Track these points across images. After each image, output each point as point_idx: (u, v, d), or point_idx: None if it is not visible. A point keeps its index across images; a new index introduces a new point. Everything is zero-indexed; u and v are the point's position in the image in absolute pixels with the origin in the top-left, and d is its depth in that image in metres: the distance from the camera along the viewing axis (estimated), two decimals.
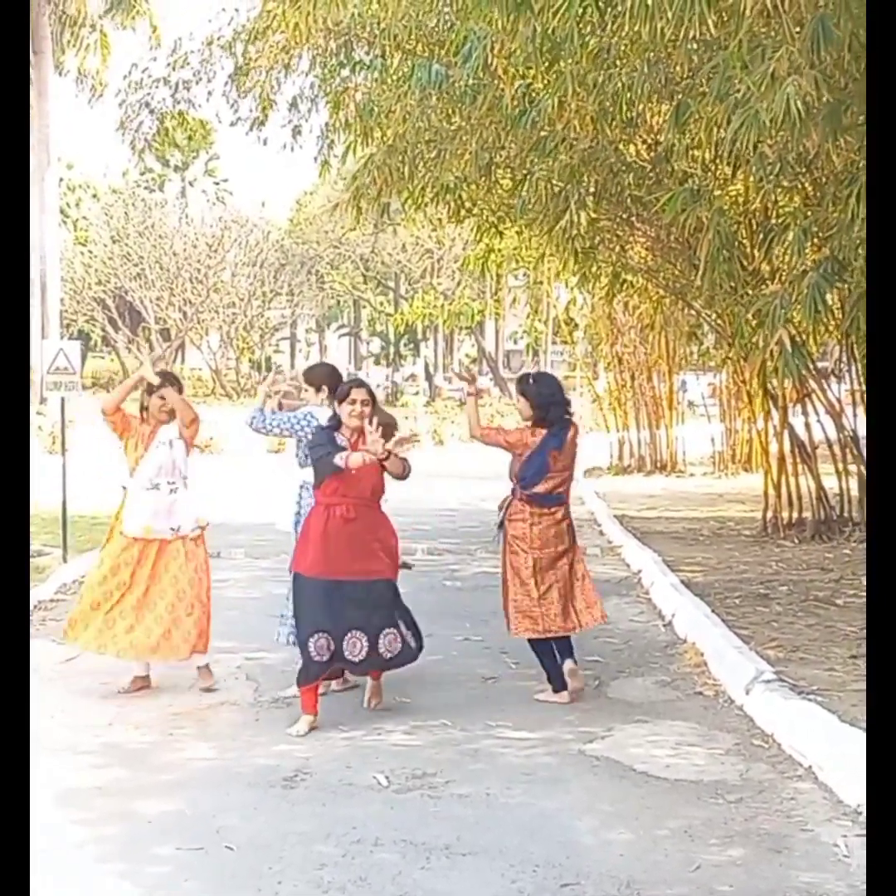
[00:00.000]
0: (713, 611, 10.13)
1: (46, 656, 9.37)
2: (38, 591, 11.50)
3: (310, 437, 7.95)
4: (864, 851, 5.31)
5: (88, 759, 6.94)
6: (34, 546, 13.79)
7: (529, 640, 8.30)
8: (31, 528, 14.52)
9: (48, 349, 14.23)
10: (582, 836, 5.73)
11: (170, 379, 8.73)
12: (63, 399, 14.10)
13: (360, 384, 7.83)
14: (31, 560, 12.95)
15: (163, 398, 8.52)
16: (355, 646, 7.40)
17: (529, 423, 8.31)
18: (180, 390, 8.73)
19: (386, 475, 7.66)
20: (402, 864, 5.38)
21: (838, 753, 6.35)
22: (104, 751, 7.11)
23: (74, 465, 14.66)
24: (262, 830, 5.82)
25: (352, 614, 7.41)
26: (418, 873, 5.30)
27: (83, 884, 5.26)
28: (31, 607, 10.99)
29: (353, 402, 7.61)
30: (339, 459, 7.42)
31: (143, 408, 8.72)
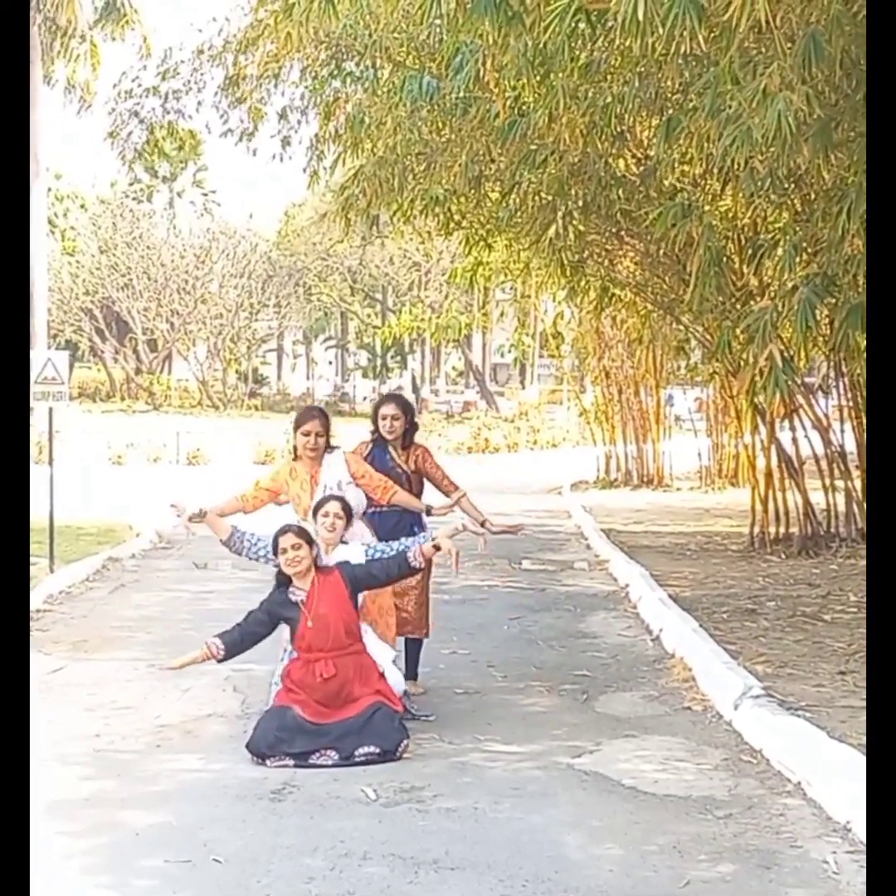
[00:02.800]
0: (701, 625, 10.11)
1: (33, 668, 9.33)
2: None
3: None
4: (857, 867, 5.32)
5: (75, 771, 6.90)
6: None
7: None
8: None
9: (36, 359, 14.19)
10: (571, 851, 5.71)
11: (321, 417, 8.36)
12: (51, 409, 14.06)
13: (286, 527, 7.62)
14: None
15: (306, 434, 8.19)
16: (326, 759, 7.04)
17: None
18: (327, 427, 8.33)
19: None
20: (390, 878, 5.36)
21: (827, 769, 6.34)
22: (91, 762, 7.07)
23: (60, 475, 14.60)
24: (250, 843, 5.79)
25: (323, 739, 7.10)
26: (407, 887, 5.28)
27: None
28: None
29: (285, 550, 7.44)
30: (413, 560, 7.47)
31: (294, 448, 8.42)
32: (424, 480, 8.92)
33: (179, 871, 5.47)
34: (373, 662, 7.45)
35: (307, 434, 8.15)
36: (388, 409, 8.75)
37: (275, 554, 7.48)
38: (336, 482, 8.06)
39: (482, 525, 8.44)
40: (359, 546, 7.83)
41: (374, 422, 8.82)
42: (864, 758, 5.09)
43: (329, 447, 8.25)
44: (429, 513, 8.47)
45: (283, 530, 7.52)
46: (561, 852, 5.68)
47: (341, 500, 7.78)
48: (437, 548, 7.51)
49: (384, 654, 7.64)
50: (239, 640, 7.50)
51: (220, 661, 7.52)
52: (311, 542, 7.49)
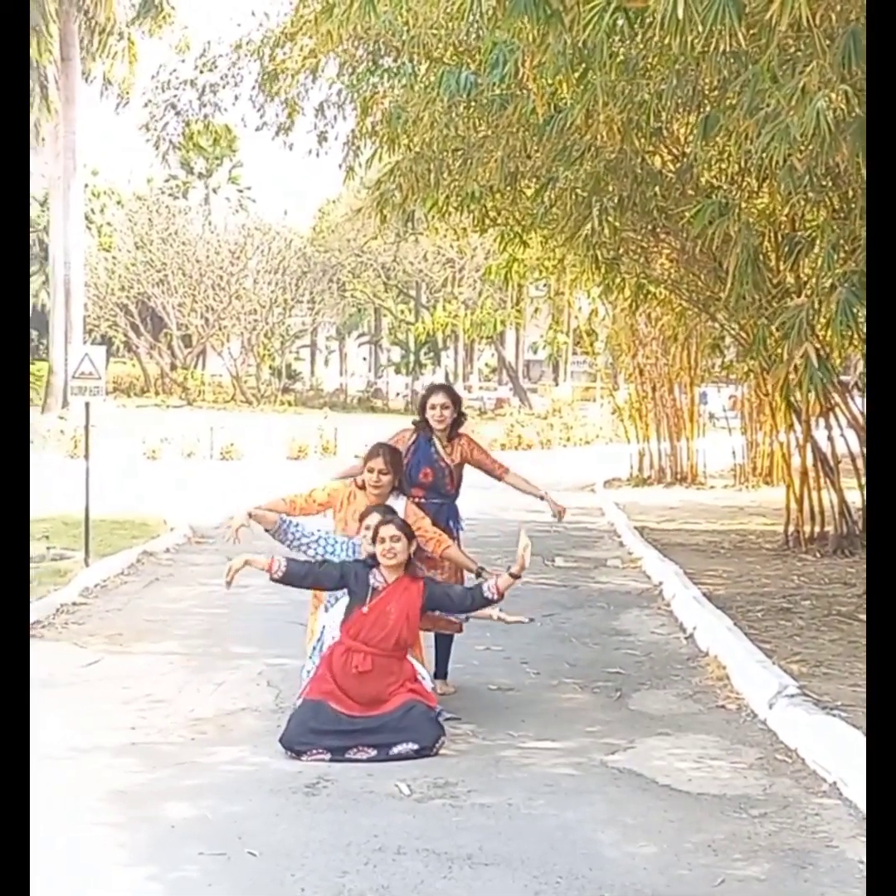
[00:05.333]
0: (735, 624, 10.09)
1: (69, 660, 9.41)
2: (61, 595, 11.52)
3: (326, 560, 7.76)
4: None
5: (111, 763, 6.93)
6: (56, 549, 13.84)
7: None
8: (54, 532, 14.63)
9: (74, 354, 14.28)
10: (605, 848, 5.71)
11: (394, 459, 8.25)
12: (87, 404, 14.14)
13: (389, 518, 7.63)
14: (53, 563, 13.02)
15: (370, 471, 8.05)
16: (362, 754, 7.06)
17: None
18: (392, 465, 8.17)
19: None
20: (424, 874, 5.37)
21: (863, 769, 6.32)
22: (126, 755, 7.11)
23: (96, 469, 14.68)
24: (284, 837, 5.82)
25: (360, 735, 7.11)
26: (441, 883, 5.29)
27: (108, 888, 5.25)
28: (54, 611, 11.02)
29: (383, 540, 7.46)
30: (488, 592, 7.51)
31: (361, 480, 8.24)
32: (463, 473, 8.93)
33: (214, 864, 5.49)
34: (413, 671, 7.46)
35: (371, 471, 8.04)
36: (439, 399, 8.71)
37: (372, 541, 7.47)
38: None
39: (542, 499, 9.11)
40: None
41: (422, 411, 8.76)
42: None
43: (394, 489, 8.12)
44: (479, 575, 8.11)
45: (386, 520, 7.54)
46: (595, 850, 5.68)
47: (397, 520, 7.70)
48: (515, 576, 7.50)
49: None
50: (301, 575, 7.54)
51: (273, 579, 7.52)
52: (411, 536, 7.53)
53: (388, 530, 7.46)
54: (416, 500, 8.41)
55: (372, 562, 7.53)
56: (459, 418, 8.80)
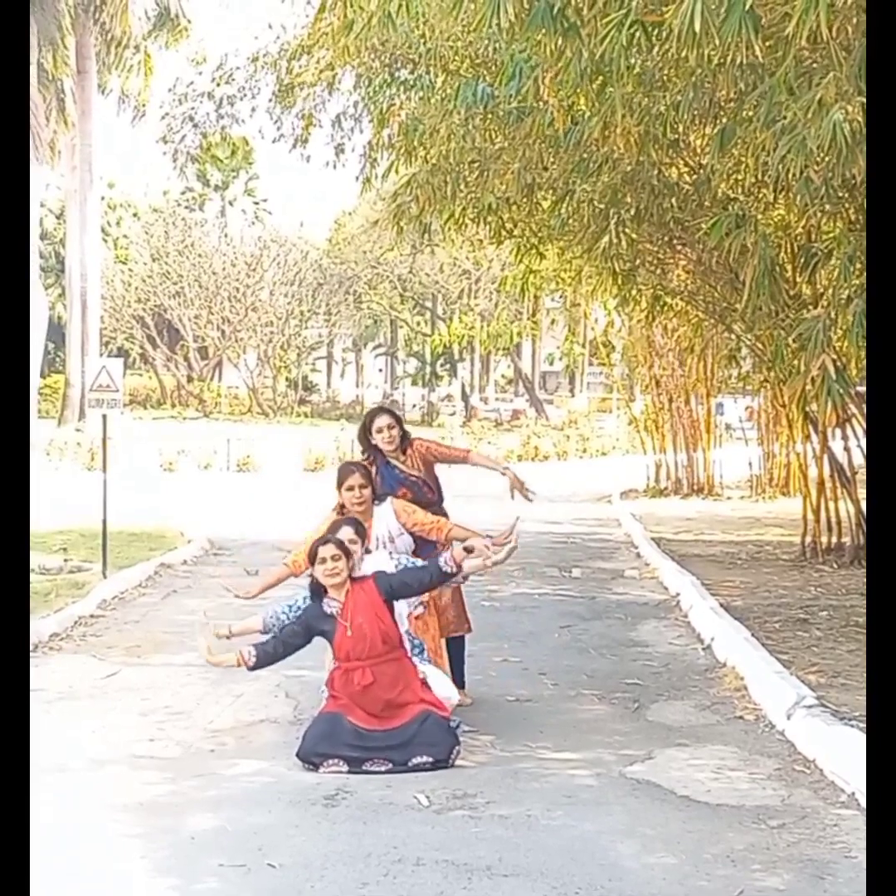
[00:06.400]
0: (753, 635, 10.09)
1: (87, 672, 9.45)
2: (79, 607, 11.56)
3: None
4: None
5: (130, 775, 6.96)
6: (74, 562, 13.90)
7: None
8: (72, 544, 14.67)
9: (91, 366, 14.35)
10: (624, 859, 5.71)
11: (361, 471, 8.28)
12: (104, 416, 14.19)
13: (327, 538, 7.54)
14: (71, 576, 13.06)
15: (350, 489, 8.06)
16: (379, 766, 7.07)
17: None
18: (369, 478, 8.24)
19: None
20: (443, 885, 5.38)
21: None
22: (145, 767, 7.14)
23: (113, 482, 14.73)
24: (304, 849, 5.83)
25: (377, 748, 7.12)
26: (460, 894, 5.29)
27: None
28: (72, 623, 11.06)
29: (324, 560, 7.37)
30: (445, 566, 7.39)
31: (340, 505, 8.24)
32: (436, 476, 8.87)
33: (234, 876, 5.51)
34: (414, 669, 7.45)
35: (351, 488, 8.04)
36: (383, 420, 8.60)
37: (311, 563, 7.42)
38: (387, 532, 8.04)
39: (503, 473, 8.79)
40: (385, 554, 7.84)
41: (367, 438, 8.63)
42: None
43: (376, 497, 8.17)
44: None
45: (324, 540, 7.46)
46: (614, 860, 5.69)
47: (354, 523, 7.70)
48: (468, 550, 7.44)
49: (441, 682, 7.65)
50: (272, 652, 7.47)
51: (250, 668, 7.49)
52: (349, 554, 7.45)
53: (328, 550, 7.35)
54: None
55: (318, 590, 7.45)
56: (405, 434, 8.71)
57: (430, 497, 8.64)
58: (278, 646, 7.50)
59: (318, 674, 8.20)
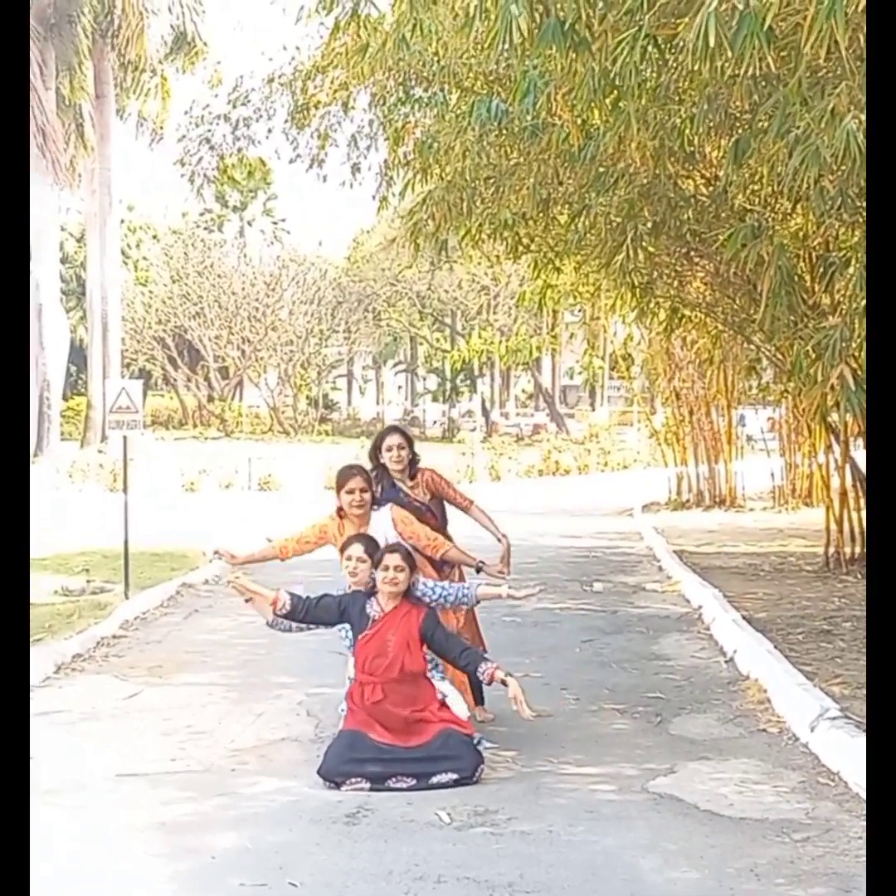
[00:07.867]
0: (776, 647, 10.04)
1: (110, 693, 9.46)
2: (101, 628, 11.58)
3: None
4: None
5: (152, 795, 6.96)
6: (96, 583, 13.93)
7: None
8: (94, 565, 14.71)
9: (111, 388, 14.41)
10: (646, 874, 5.68)
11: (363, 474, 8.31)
12: (125, 437, 14.23)
13: (395, 546, 7.62)
14: (94, 597, 13.09)
15: (351, 492, 8.12)
16: (402, 783, 7.04)
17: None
18: (370, 481, 8.32)
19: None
20: None
21: None
22: (167, 786, 7.13)
23: (135, 502, 14.76)
24: (325, 867, 5.82)
25: (399, 764, 7.09)
26: None
27: None
28: (95, 644, 11.08)
29: (387, 568, 7.39)
30: (482, 675, 7.33)
31: (339, 509, 8.28)
32: (443, 506, 8.88)
33: (256, 895, 5.50)
34: (432, 690, 7.42)
35: (351, 492, 8.08)
36: (394, 439, 8.60)
37: (375, 567, 7.41)
38: (383, 540, 8.00)
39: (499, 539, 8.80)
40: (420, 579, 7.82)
41: (376, 457, 8.63)
42: None
43: (375, 502, 8.22)
44: (479, 570, 8.24)
45: (392, 548, 7.49)
46: (637, 876, 5.66)
47: (365, 539, 7.70)
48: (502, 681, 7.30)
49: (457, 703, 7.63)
50: (303, 611, 7.50)
51: (276, 614, 7.51)
52: (413, 567, 7.48)
53: (394, 559, 7.38)
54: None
55: (370, 591, 7.48)
56: (415, 457, 8.70)
57: (431, 522, 8.63)
58: (310, 607, 7.51)
59: (340, 691, 8.19)
